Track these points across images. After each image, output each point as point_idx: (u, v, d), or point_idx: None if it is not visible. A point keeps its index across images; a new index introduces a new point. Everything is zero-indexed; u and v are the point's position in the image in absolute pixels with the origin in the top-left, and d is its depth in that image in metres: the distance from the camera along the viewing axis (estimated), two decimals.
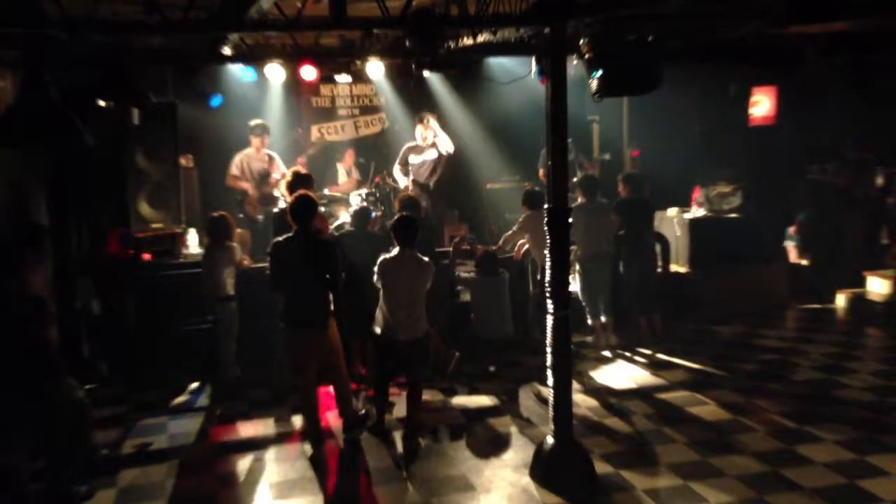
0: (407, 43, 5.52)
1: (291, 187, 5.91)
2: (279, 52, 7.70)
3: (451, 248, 7.79)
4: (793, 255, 9.80)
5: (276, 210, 7.06)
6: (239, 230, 7.39)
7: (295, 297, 5.23)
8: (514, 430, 5.64)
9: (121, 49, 6.02)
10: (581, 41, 5.06)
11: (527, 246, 7.41)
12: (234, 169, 8.45)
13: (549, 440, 4.80)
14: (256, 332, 6.51)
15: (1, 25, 4.68)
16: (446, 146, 8.79)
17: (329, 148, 10.12)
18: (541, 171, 8.82)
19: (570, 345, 4.80)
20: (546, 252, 4.71)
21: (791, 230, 9.84)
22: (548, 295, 4.71)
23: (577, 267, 7.44)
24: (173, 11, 4.99)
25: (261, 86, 9.07)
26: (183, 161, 8.40)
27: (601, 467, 4.86)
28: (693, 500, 4.49)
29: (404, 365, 5.58)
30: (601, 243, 7.46)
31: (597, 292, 7.54)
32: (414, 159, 8.88)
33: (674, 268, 8.76)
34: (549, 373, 4.76)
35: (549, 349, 4.74)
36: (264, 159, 8.54)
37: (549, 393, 4.78)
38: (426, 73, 8.16)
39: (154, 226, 7.75)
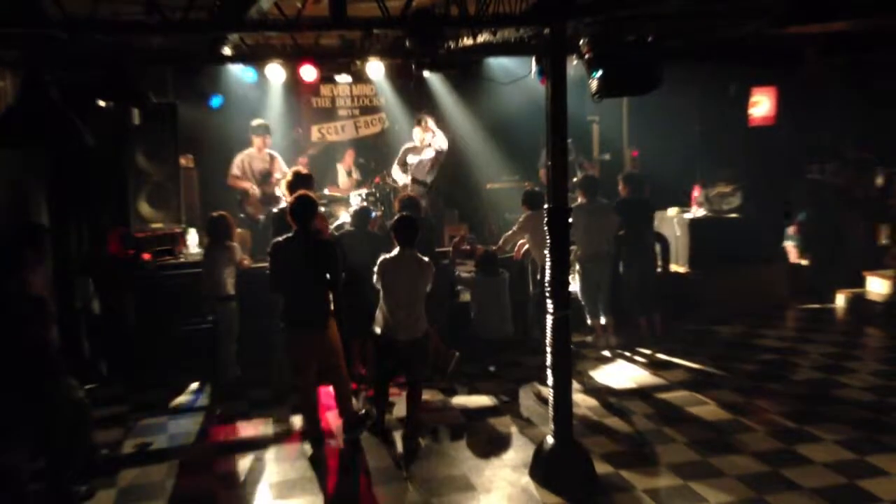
0: (407, 43, 5.51)
1: (292, 187, 5.91)
2: (279, 53, 7.70)
3: (450, 248, 7.79)
4: (793, 255, 9.80)
5: (275, 210, 7.06)
6: (239, 230, 7.40)
7: (295, 297, 5.23)
8: (514, 430, 5.64)
9: (121, 49, 6.02)
10: (581, 41, 5.06)
11: (527, 246, 7.41)
12: (236, 169, 8.45)
13: (549, 440, 4.80)
14: (256, 332, 6.51)
15: (1, 25, 4.68)
16: (441, 143, 8.82)
17: (329, 148, 10.12)
18: (541, 172, 8.82)
19: (570, 345, 4.80)
20: (546, 252, 4.71)
21: (791, 230, 9.83)
22: (548, 295, 4.71)
23: (577, 267, 7.44)
24: (173, 11, 4.98)
25: (261, 86, 9.08)
26: (183, 161, 8.40)
27: (601, 467, 4.86)
28: (693, 500, 4.50)
29: (404, 365, 5.59)
30: (601, 243, 7.46)
31: (596, 292, 7.55)
32: (412, 159, 8.90)
33: (674, 268, 8.76)
34: (549, 373, 4.76)
35: (549, 349, 4.74)
36: (266, 159, 8.54)
37: (549, 393, 4.78)
38: (426, 74, 8.16)
39: (154, 226, 7.75)
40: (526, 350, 7.28)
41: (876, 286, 8.79)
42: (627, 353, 7.41)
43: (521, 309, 7.50)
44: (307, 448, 5.29)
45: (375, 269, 5.46)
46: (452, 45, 6.84)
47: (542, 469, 4.78)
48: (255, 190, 8.42)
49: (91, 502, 4.67)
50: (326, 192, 8.89)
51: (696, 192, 9.33)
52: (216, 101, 8.21)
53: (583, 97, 5.77)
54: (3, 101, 6.44)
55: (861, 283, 8.95)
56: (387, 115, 10.33)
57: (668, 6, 5.04)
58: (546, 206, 4.69)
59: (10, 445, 4.25)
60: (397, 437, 5.53)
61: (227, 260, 6.45)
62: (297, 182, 5.95)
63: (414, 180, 8.77)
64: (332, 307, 5.25)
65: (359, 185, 9.34)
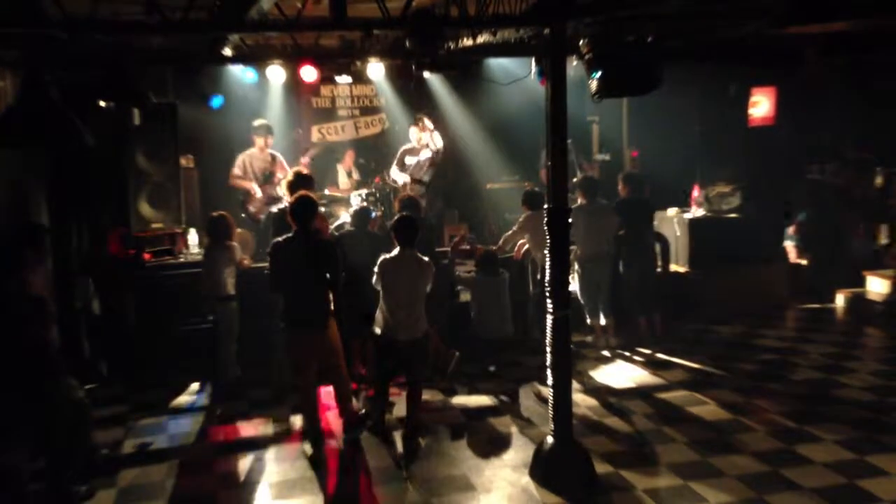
0: (407, 43, 5.51)
1: (292, 187, 5.91)
2: (279, 53, 7.70)
3: (449, 248, 7.79)
4: (793, 255, 9.80)
5: (275, 210, 7.06)
6: (240, 230, 7.40)
7: (295, 297, 5.23)
8: (514, 430, 5.64)
9: (121, 49, 6.02)
10: (581, 42, 5.06)
11: (527, 246, 7.41)
12: (237, 169, 8.46)
13: (549, 440, 4.80)
14: (256, 332, 6.51)
15: (1, 25, 4.69)
16: (438, 143, 8.82)
17: (330, 148, 10.13)
18: (541, 172, 8.83)
19: (570, 345, 4.80)
20: (546, 252, 4.72)
21: (791, 230, 9.83)
22: (548, 295, 4.71)
23: (577, 267, 7.44)
24: (173, 11, 4.98)
25: (261, 86, 9.08)
26: (183, 161, 8.40)
27: (601, 467, 4.86)
28: (693, 500, 4.50)
29: (404, 365, 5.59)
30: (601, 244, 7.46)
31: (596, 292, 7.55)
32: (410, 160, 8.92)
33: (674, 268, 8.76)
34: (549, 373, 4.76)
35: (549, 349, 4.74)
36: (268, 159, 8.55)
37: (549, 393, 4.78)
38: (426, 74, 8.16)
39: (154, 226, 7.75)
40: (526, 350, 7.28)
41: (876, 286, 8.79)
42: (627, 353, 7.41)
43: (521, 309, 7.50)
44: (307, 448, 5.29)
45: (375, 269, 5.46)
46: (452, 45, 6.84)
47: (542, 469, 4.78)
48: (256, 190, 8.43)
49: (91, 502, 4.67)
50: (326, 192, 8.89)
51: (696, 192, 9.33)
52: (216, 102, 8.20)
53: (583, 97, 5.77)
54: (3, 101, 6.43)
55: (861, 283, 8.96)
56: (387, 115, 10.34)
57: (668, 6, 5.04)
58: (546, 206, 4.69)
59: (10, 445, 4.25)
60: (397, 437, 5.53)
61: (227, 260, 6.44)
62: (298, 182, 5.95)
63: (413, 179, 8.78)
64: (332, 307, 5.25)
65: (359, 185, 9.34)
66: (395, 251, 5.49)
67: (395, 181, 8.88)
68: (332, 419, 5.72)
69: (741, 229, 8.99)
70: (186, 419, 6.07)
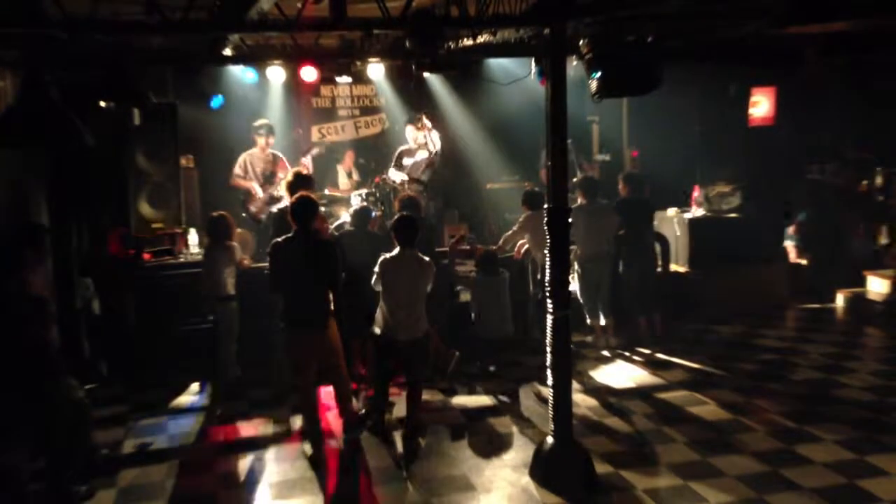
0: (407, 44, 5.51)
1: (291, 188, 5.91)
2: (279, 53, 7.70)
3: (447, 249, 7.79)
4: (793, 255, 9.80)
5: (275, 210, 7.06)
6: (240, 230, 7.40)
7: (295, 297, 5.23)
8: (514, 430, 5.64)
9: (121, 49, 6.02)
10: (581, 42, 5.06)
11: (527, 246, 7.41)
12: (238, 169, 8.47)
13: (549, 440, 4.80)
14: (256, 332, 6.51)
15: (1, 25, 4.68)
16: (436, 144, 8.80)
17: (330, 149, 10.12)
18: (541, 172, 8.82)
19: (570, 345, 4.80)
20: (546, 252, 4.72)
21: (791, 230, 9.83)
22: (548, 295, 4.71)
23: (577, 267, 7.44)
24: (173, 11, 4.98)
25: (261, 86, 9.08)
26: (183, 161, 8.41)
27: (601, 467, 4.86)
28: (693, 500, 4.50)
29: (404, 365, 5.59)
30: (601, 244, 7.47)
31: (596, 292, 7.55)
32: (407, 161, 8.92)
33: (674, 267, 8.76)
34: (549, 373, 4.76)
35: (549, 349, 4.74)
36: (269, 159, 8.55)
37: (549, 393, 4.78)
38: (426, 74, 8.15)
39: (154, 226, 7.76)
40: (526, 350, 7.28)
41: (876, 286, 8.79)
42: (627, 353, 7.41)
43: (521, 309, 7.50)
44: (307, 448, 5.29)
45: (376, 269, 5.46)
46: (452, 45, 6.84)
47: (542, 469, 4.78)
48: (257, 190, 8.43)
49: (91, 502, 4.67)
50: (326, 192, 8.89)
51: (696, 193, 9.34)
52: (216, 102, 8.21)
53: (583, 97, 5.77)
54: (3, 101, 6.43)
55: (861, 282, 8.96)
56: (387, 115, 10.33)
57: (668, 6, 5.04)
58: (546, 206, 4.69)
59: (10, 445, 4.25)
60: (397, 437, 5.54)
61: (227, 260, 6.44)
62: (297, 183, 5.95)
63: (411, 179, 8.78)
64: (332, 307, 5.25)
65: (359, 185, 9.34)
66: (396, 251, 5.49)
67: (393, 181, 8.88)
68: (332, 419, 5.72)
69: (741, 229, 8.99)
70: (186, 419, 6.07)
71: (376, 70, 8.76)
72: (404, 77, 9.34)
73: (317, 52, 7.83)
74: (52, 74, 5.18)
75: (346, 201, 8.53)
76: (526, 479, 4.80)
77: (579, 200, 7.46)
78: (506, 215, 9.48)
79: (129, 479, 4.98)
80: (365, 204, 7.71)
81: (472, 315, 7.08)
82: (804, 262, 9.70)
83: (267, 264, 5.36)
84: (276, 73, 8.54)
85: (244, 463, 5.21)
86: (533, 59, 6.50)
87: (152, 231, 7.69)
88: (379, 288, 5.47)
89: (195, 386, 6.82)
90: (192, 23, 5.01)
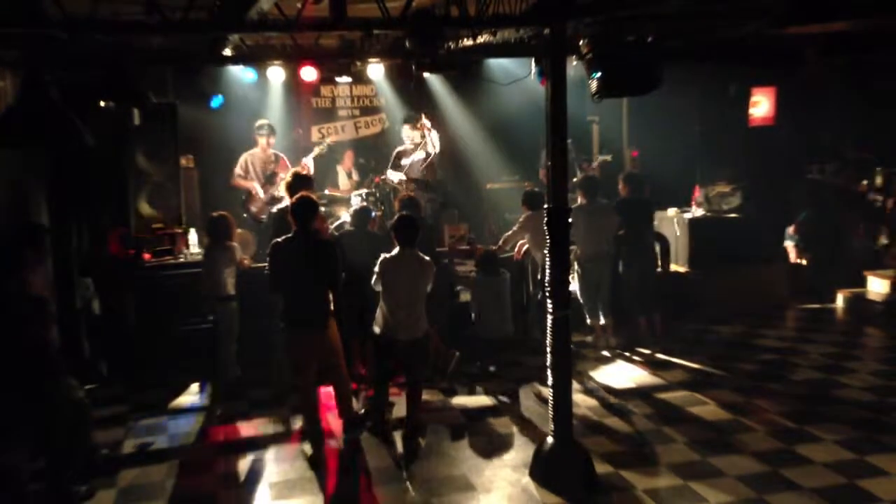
0: (407, 44, 5.51)
1: (291, 188, 5.91)
2: (279, 53, 7.69)
3: (446, 249, 7.79)
4: (793, 255, 9.80)
5: (275, 210, 7.06)
6: (240, 230, 7.40)
7: (295, 297, 5.23)
8: (514, 430, 5.64)
9: (121, 49, 6.02)
10: (581, 42, 5.05)
11: (527, 246, 7.41)
12: (239, 169, 8.46)
13: (549, 440, 4.80)
14: (256, 332, 6.51)
15: (1, 25, 4.68)
16: (435, 145, 8.79)
17: (330, 149, 10.12)
18: (541, 172, 8.82)
19: (570, 345, 4.80)
20: (546, 252, 4.72)
21: (791, 230, 9.84)
22: (548, 295, 4.71)
23: (577, 267, 7.44)
24: (173, 11, 4.98)
25: (261, 86, 9.08)
26: (183, 161, 8.40)
27: (601, 467, 4.86)
28: (693, 500, 4.50)
29: (404, 365, 5.59)
30: (601, 244, 7.47)
31: (596, 292, 7.55)
32: (404, 161, 8.91)
33: (674, 267, 8.76)
34: (549, 373, 4.76)
35: (549, 349, 4.74)
36: (270, 159, 8.55)
37: (549, 393, 4.78)
38: (426, 74, 8.14)
39: (154, 226, 7.76)
40: (526, 350, 7.28)
41: (876, 286, 8.79)
42: (627, 353, 7.41)
43: (521, 309, 7.50)
44: (307, 448, 5.28)
45: (376, 268, 5.46)
46: (452, 45, 6.84)
47: (542, 469, 4.78)
48: (258, 190, 8.43)
49: (91, 502, 4.67)
50: (327, 192, 8.89)
51: (697, 193, 9.34)
52: (216, 102, 8.21)
53: (583, 97, 5.77)
54: (3, 101, 6.43)
55: (861, 283, 8.96)
56: (387, 115, 10.33)
57: (668, 6, 5.04)
58: (546, 206, 4.69)
59: (10, 445, 4.25)
60: (397, 437, 5.53)
61: (227, 260, 6.44)
62: (297, 183, 5.95)
63: (409, 178, 8.78)
64: (331, 307, 5.25)
65: (359, 186, 9.34)
66: (396, 251, 5.49)
67: (391, 181, 8.88)
68: (332, 419, 5.72)
69: (741, 229, 9.00)
70: (186, 419, 6.07)
71: (376, 70, 8.77)
72: (404, 77, 9.34)
73: (317, 52, 7.83)
74: (52, 74, 5.18)
75: (346, 201, 8.53)
76: (526, 479, 4.80)
77: (579, 200, 7.46)
78: (506, 215, 9.49)
79: (129, 479, 4.98)
80: (365, 204, 7.71)
81: (472, 315, 7.08)
82: (804, 262, 9.70)
83: (267, 264, 5.37)
84: (276, 73, 8.54)
85: (244, 463, 5.21)
86: (533, 59, 6.49)
87: (152, 231, 7.69)
88: (379, 288, 5.47)
89: (195, 386, 6.82)
90: (192, 23, 5.01)
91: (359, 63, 8.24)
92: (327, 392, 5.57)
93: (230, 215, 6.68)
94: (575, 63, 6.03)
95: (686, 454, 5.11)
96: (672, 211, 9.18)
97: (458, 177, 10.14)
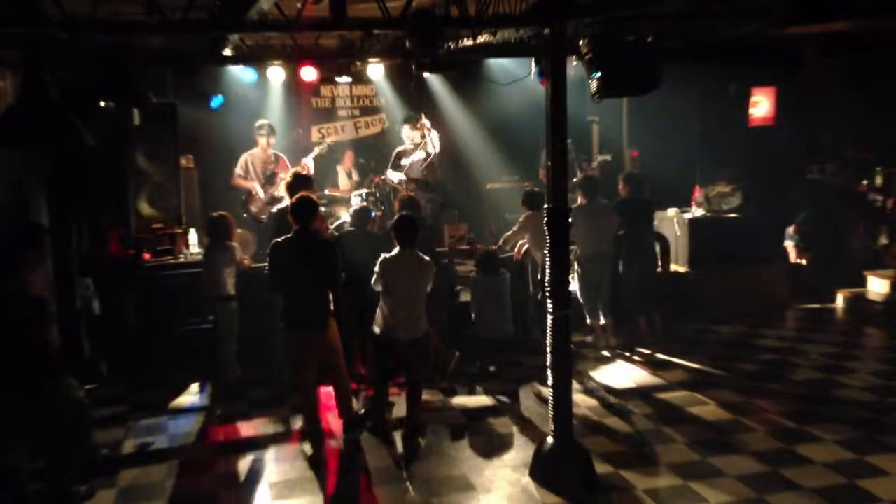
0: (407, 44, 5.51)
1: (291, 188, 5.91)
2: (279, 53, 7.70)
3: (446, 248, 7.79)
4: (793, 255, 9.80)
5: (275, 210, 7.06)
6: (240, 230, 7.40)
7: (295, 297, 5.23)
8: (514, 430, 5.64)
9: (121, 49, 6.02)
10: (581, 42, 5.05)
11: (527, 246, 7.41)
12: (239, 169, 8.47)
13: (549, 440, 4.80)
14: (256, 332, 6.51)
15: (1, 25, 4.68)
16: (435, 145, 8.78)
17: (330, 149, 10.12)
18: (541, 172, 8.82)
19: (570, 345, 4.80)
20: (546, 252, 4.72)
21: (790, 230, 9.84)
22: (548, 295, 4.71)
23: (577, 267, 7.44)
24: (173, 11, 4.98)
25: (261, 86, 9.08)
26: (183, 161, 8.40)
27: (601, 467, 4.86)
28: (693, 500, 4.50)
29: (404, 365, 5.59)
30: (601, 243, 7.46)
31: (596, 292, 7.54)
32: (404, 161, 8.92)
33: (674, 267, 8.76)
34: (549, 373, 4.76)
35: (549, 349, 4.74)
36: (271, 159, 8.55)
37: (549, 393, 4.78)
38: (426, 74, 8.14)
39: (154, 226, 7.76)
40: (526, 350, 7.28)
41: (876, 286, 8.79)
42: (627, 353, 7.40)
43: (521, 309, 7.50)
44: (307, 448, 5.29)
45: (376, 269, 5.46)
46: (452, 45, 6.84)
47: (542, 469, 4.78)
48: (258, 190, 8.43)
49: (91, 502, 4.67)
50: (327, 192, 8.88)
51: (697, 193, 9.34)
52: (216, 102, 8.21)
53: (583, 97, 5.77)
54: (3, 101, 6.43)
55: (861, 283, 8.96)
56: (387, 115, 10.34)
57: (668, 6, 5.04)
58: (546, 206, 4.69)
59: (10, 445, 4.25)
60: (397, 437, 5.53)
61: (227, 260, 6.44)
62: (297, 183, 5.95)
63: (408, 178, 8.78)
64: (331, 307, 5.25)
65: (359, 186, 9.34)
66: (396, 251, 5.49)
67: (391, 181, 8.89)
68: (332, 419, 5.72)
69: (741, 229, 9.00)
70: (186, 419, 6.07)
71: (376, 70, 8.77)
72: (404, 77, 9.34)
73: (317, 52, 7.83)
74: (52, 74, 5.18)
75: (346, 201, 8.53)
76: (526, 479, 4.80)
77: (579, 200, 7.46)
78: (506, 215, 9.49)
79: (129, 479, 4.98)
80: (365, 204, 7.71)
81: (472, 315, 7.08)
82: (804, 262, 9.70)
83: (267, 264, 5.37)
84: (276, 73, 8.54)
85: (244, 463, 5.21)
86: (533, 59, 6.49)
87: (152, 231, 7.69)
88: (379, 288, 5.47)
89: (195, 386, 6.82)
90: (192, 23, 5.01)
91: (359, 63, 8.24)
92: (327, 392, 5.57)
93: (230, 215, 6.68)
94: (575, 63, 6.03)
95: (686, 454, 5.11)
96: (672, 211, 9.18)
97: (458, 177, 10.14)
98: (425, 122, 8.77)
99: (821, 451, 5.07)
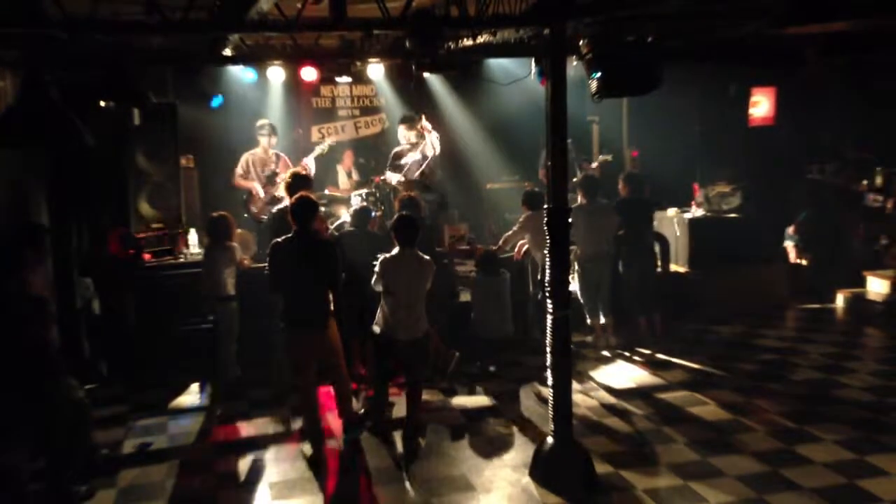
0: (407, 44, 5.51)
1: (291, 188, 5.91)
2: (279, 53, 7.70)
3: (446, 248, 7.79)
4: (793, 255, 9.80)
5: (275, 210, 7.06)
6: (240, 230, 7.40)
7: (295, 297, 5.23)
8: (514, 430, 5.64)
9: (121, 49, 6.02)
10: (581, 42, 5.06)
11: (527, 246, 7.41)
12: (240, 169, 8.45)
13: (549, 440, 4.80)
14: (256, 332, 6.51)
15: (1, 25, 4.68)
16: (433, 147, 8.75)
17: (331, 149, 10.11)
18: (541, 172, 8.82)
19: (570, 345, 4.80)
20: (546, 252, 4.72)
21: (790, 230, 9.84)
22: (548, 295, 4.71)
23: (577, 267, 7.44)
24: (173, 11, 4.98)
25: (261, 86, 9.08)
26: (183, 161, 8.40)
27: (601, 467, 4.86)
28: (693, 500, 4.50)
29: (404, 365, 5.59)
30: (601, 243, 7.47)
31: (596, 292, 7.55)
32: (402, 162, 8.90)
33: (674, 268, 8.76)
34: (549, 373, 4.76)
35: (549, 349, 4.74)
36: (271, 159, 8.55)
37: (549, 393, 4.78)
38: (426, 74, 8.14)
39: (154, 226, 7.76)
40: (526, 350, 7.28)
41: (876, 286, 8.79)
42: (627, 353, 7.40)
43: (521, 309, 7.50)
44: (307, 448, 5.28)
45: (376, 268, 5.46)
46: (452, 45, 6.84)
47: (542, 469, 4.78)
48: (259, 190, 8.43)
49: (91, 502, 4.67)
50: (327, 192, 8.88)
51: (697, 193, 9.34)
52: (216, 102, 8.21)
53: (583, 97, 5.78)
54: (3, 101, 6.43)
55: (861, 283, 8.96)
56: (387, 115, 10.33)
57: (668, 6, 5.04)
58: (546, 206, 4.69)
59: (10, 445, 4.25)
60: (397, 437, 5.53)
61: (227, 260, 6.45)
62: (296, 183, 5.95)
63: (407, 179, 8.77)
64: (331, 307, 5.25)
65: (359, 186, 9.34)
66: (396, 251, 5.49)
67: (390, 181, 8.88)
68: (332, 419, 5.72)
69: (741, 229, 9.00)
70: (186, 419, 6.07)
71: (376, 70, 8.76)
72: (404, 77, 9.33)
73: (317, 52, 7.83)
74: (52, 74, 5.18)
75: (346, 201, 8.52)
76: (526, 479, 4.80)
77: (579, 200, 7.47)
78: (506, 215, 9.49)
79: (129, 479, 4.98)
80: (365, 204, 7.70)
81: (472, 315, 7.08)
82: (804, 262, 9.71)
83: (267, 264, 5.37)
84: (276, 73, 8.54)
85: (244, 463, 5.21)
86: (533, 59, 6.50)
87: (152, 231, 7.69)
88: (379, 288, 5.47)
89: (195, 386, 6.82)
90: (192, 23, 5.01)
91: (359, 63, 8.25)
92: (327, 392, 5.57)
93: (230, 215, 6.68)
94: (575, 63, 6.03)
95: (686, 454, 5.11)
96: (672, 211, 9.18)
97: (458, 177, 10.13)
98: (425, 124, 8.75)
99: (821, 451, 5.07)
